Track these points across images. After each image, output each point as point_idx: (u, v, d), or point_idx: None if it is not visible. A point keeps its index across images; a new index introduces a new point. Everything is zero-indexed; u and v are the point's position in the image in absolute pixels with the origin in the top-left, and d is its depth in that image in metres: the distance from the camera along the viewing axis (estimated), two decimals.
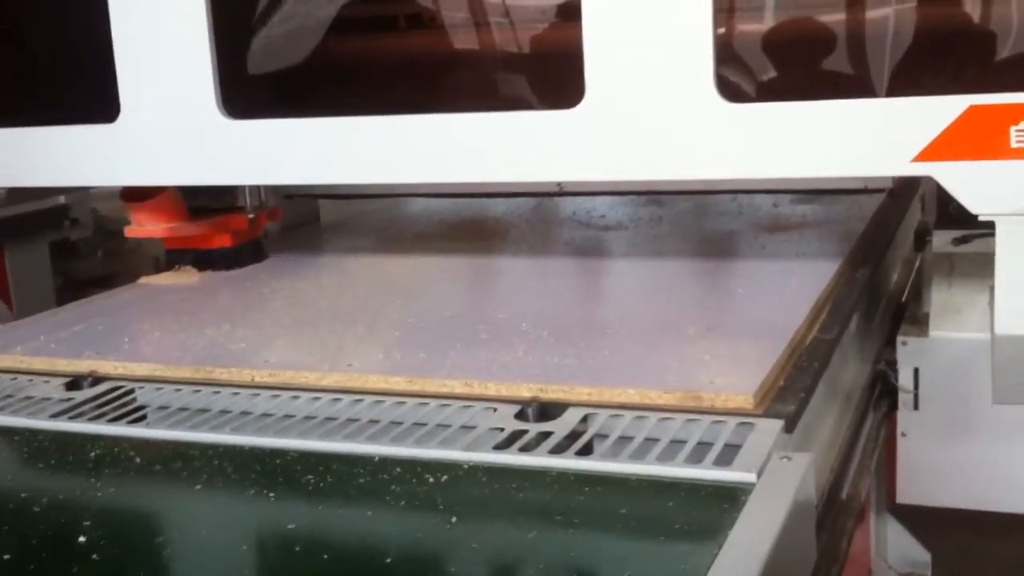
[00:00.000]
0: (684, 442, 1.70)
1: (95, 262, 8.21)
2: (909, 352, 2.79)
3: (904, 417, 2.85)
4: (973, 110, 2.12)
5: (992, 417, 2.72)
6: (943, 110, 2.14)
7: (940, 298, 2.94)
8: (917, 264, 3.47)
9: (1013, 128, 2.11)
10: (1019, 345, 2.26)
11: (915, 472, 2.92)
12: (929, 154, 2.17)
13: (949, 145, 2.15)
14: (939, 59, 2.78)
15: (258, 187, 3.25)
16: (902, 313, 3.04)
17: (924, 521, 3.28)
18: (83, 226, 8.07)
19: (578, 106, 2.32)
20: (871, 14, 2.93)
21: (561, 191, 3.81)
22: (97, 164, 2.79)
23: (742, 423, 1.74)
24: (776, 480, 1.53)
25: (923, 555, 3.74)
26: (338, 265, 3.16)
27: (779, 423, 1.74)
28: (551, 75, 2.63)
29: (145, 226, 3.14)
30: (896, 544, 3.70)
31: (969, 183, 2.16)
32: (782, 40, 2.99)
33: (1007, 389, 2.33)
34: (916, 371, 2.78)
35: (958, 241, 3.05)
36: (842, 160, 2.25)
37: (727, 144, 2.29)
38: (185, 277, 2.97)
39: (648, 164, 2.36)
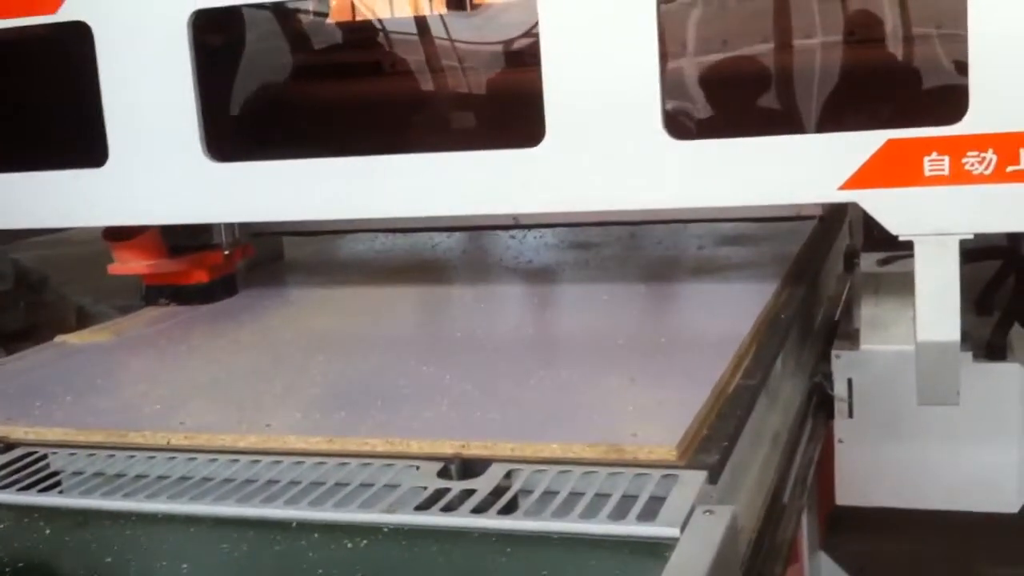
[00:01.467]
0: (609, 495, 1.69)
1: (17, 314, 8.04)
2: (843, 364, 2.99)
3: (840, 424, 3.03)
4: (891, 143, 2.36)
5: (919, 420, 2.94)
6: (865, 143, 2.38)
7: (869, 314, 3.14)
8: (847, 284, 3.66)
9: (926, 158, 2.35)
10: (938, 350, 2.50)
11: (852, 475, 3.13)
12: (854, 183, 2.41)
13: (871, 174, 2.39)
14: (860, 98, 3.05)
15: (232, 225, 3.43)
16: (835, 329, 3.24)
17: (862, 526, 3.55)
18: (4, 278, 7.91)
19: (540, 145, 2.54)
20: (799, 59, 3.22)
21: (517, 223, 3.97)
22: (86, 206, 2.95)
23: (666, 475, 1.73)
24: (699, 534, 1.51)
25: None
26: (265, 316, 3.11)
27: (703, 474, 1.73)
28: (514, 117, 2.79)
29: (128, 264, 3.33)
30: None
31: (889, 208, 2.40)
32: (722, 82, 3.25)
33: (930, 390, 2.59)
34: (850, 381, 2.99)
35: (883, 262, 3.25)
36: (776, 190, 2.49)
37: (674, 177, 2.52)
38: (101, 335, 2.91)
39: (603, 196, 2.60)
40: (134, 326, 3.05)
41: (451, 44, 3.68)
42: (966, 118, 2.30)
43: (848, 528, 4.26)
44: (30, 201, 3.03)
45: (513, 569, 1.50)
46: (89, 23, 2.87)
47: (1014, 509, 3.02)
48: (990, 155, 2.31)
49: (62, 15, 2.91)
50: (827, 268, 3.72)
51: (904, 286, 2.63)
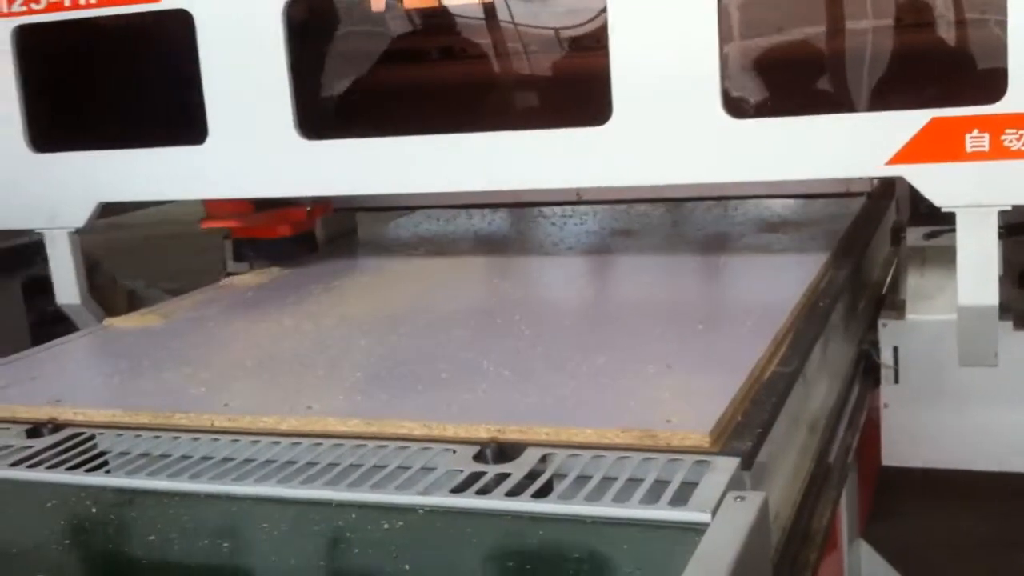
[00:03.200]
0: (642, 480, 1.71)
1: None
2: (889, 333, 3.22)
3: (886, 390, 3.27)
4: (935, 121, 2.57)
5: (961, 386, 3.17)
6: (911, 121, 2.59)
7: (914, 285, 3.37)
8: (895, 258, 3.91)
9: (968, 135, 2.55)
10: (978, 314, 2.69)
11: (897, 438, 3.37)
12: (900, 158, 2.61)
13: (916, 150, 2.59)
14: (907, 79, 3.16)
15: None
16: (882, 300, 3.48)
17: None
18: None
19: (607, 123, 2.76)
20: (850, 42, 3.36)
21: (579, 199, 4.23)
22: (187, 180, 3.23)
23: (698, 461, 1.74)
24: (730, 520, 1.53)
25: None
26: (308, 300, 3.15)
27: (735, 460, 1.74)
28: (584, 98, 3.03)
29: (219, 218, 3.65)
30: (869, 571, 3.72)
31: (933, 181, 2.60)
32: (778, 63, 3.38)
33: (970, 352, 2.78)
34: (896, 349, 3.22)
35: (928, 236, 3.45)
36: (827, 165, 2.72)
37: (732, 153, 2.73)
38: (148, 318, 2.96)
39: (665, 171, 2.83)
40: (181, 309, 3.10)
41: (524, 29, 3.86)
42: (1005, 98, 2.49)
43: (888, 515, 4.26)
44: (137, 175, 3.29)
45: (545, 551, 1.53)
46: (191, 11, 3.09)
47: None
48: None
49: (166, 3, 3.13)
50: (875, 242, 3.88)
51: (948, 259, 2.75)
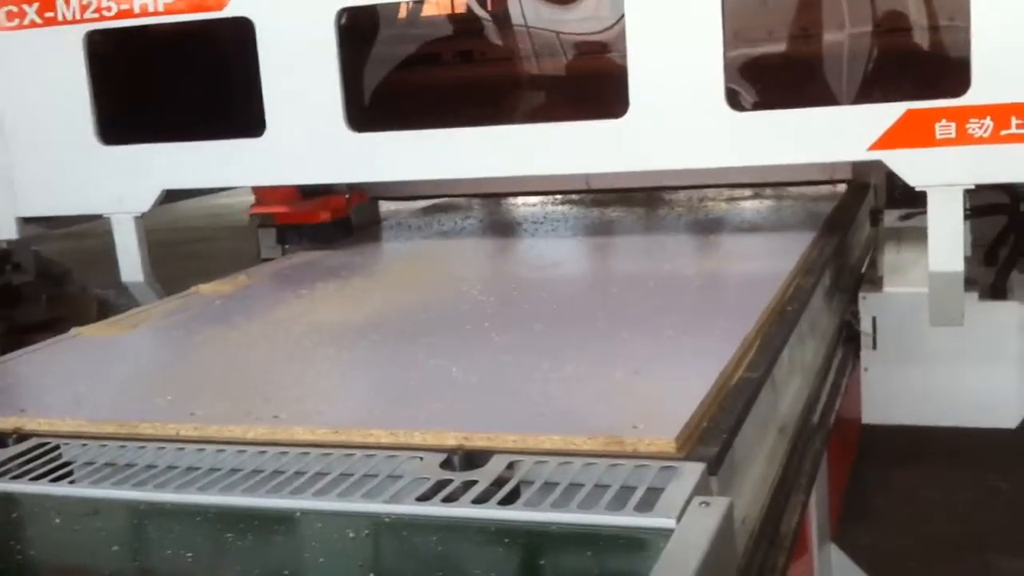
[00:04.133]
0: (608, 486, 1.71)
1: (38, 307, 8.11)
2: (868, 305, 3.81)
3: (866, 355, 3.83)
4: (909, 112, 2.98)
5: (932, 351, 3.75)
6: (888, 113, 2.99)
7: (890, 262, 3.93)
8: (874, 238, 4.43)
9: (937, 124, 2.95)
10: (946, 279, 3.09)
11: (876, 398, 3.94)
12: (880, 144, 3.01)
13: (893, 138, 2.99)
14: (885, 76, 3.89)
15: None
16: (863, 276, 3.99)
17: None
18: (25, 271, 7.98)
19: (625, 116, 3.18)
20: (836, 44, 4.08)
21: (589, 188, 4.68)
22: (246, 170, 3.64)
23: (665, 467, 1.75)
24: (694, 525, 1.53)
25: None
26: (277, 308, 3.14)
27: (701, 466, 1.74)
28: (605, 94, 3.38)
29: (268, 205, 4.18)
30: (840, 573, 3.74)
31: (908, 164, 3.01)
32: (775, 64, 4.09)
33: (940, 314, 3.19)
34: (874, 319, 3.82)
35: (903, 218, 3.92)
36: (817, 150, 3.14)
37: (733, 141, 3.14)
38: (116, 327, 2.95)
39: (674, 157, 3.25)
40: (150, 318, 3.08)
41: (551, 35, 4.49)
42: (969, 92, 2.91)
43: (859, 518, 4.29)
44: (199, 165, 3.68)
45: (510, 559, 1.53)
46: (251, 18, 3.45)
47: (1013, 424, 3.79)
48: (988, 121, 2.91)
49: (228, 11, 3.48)
50: (856, 224, 4.29)
51: (921, 238, 3.15)
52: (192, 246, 13.19)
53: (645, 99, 3.16)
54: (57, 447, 2.06)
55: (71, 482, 1.92)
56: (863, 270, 4.09)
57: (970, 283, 3.31)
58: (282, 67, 3.46)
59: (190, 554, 1.60)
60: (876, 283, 3.88)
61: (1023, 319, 3.75)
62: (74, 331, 2.96)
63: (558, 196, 4.99)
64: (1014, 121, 2.88)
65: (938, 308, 3.16)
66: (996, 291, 3.84)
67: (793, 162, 3.25)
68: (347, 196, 4.23)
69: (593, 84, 4.22)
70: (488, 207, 4.98)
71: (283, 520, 1.68)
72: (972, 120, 2.91)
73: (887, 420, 3.96)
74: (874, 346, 3.81)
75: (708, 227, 4.13)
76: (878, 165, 3.11)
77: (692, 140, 3.16)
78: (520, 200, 5.05)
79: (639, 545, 1.52)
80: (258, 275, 3.73)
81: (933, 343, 3.73)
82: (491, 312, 2.91)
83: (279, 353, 2.61)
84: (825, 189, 4.54)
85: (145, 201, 3.74)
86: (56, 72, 3.70)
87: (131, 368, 2.54)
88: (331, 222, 4.21)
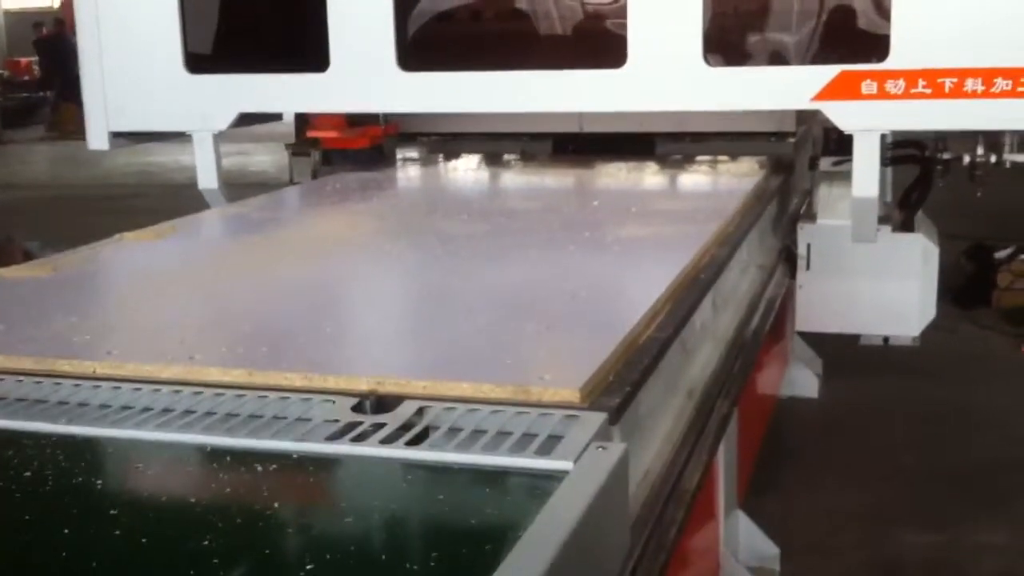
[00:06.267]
0: (511, 433, 1.76)
1: None
2: (805, 233, 4.70)
3: (801, 275, 4.70)
4: (843, 73, 3.80)
5: (854, 271, 4.66)
6: (827, 72, 3.81)
7: (823, 200, 4.93)
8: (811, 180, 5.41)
9: (863, 83, 3.77)
10: (865, 203, 3.96)
11: (808, 310, 4.84)
12: (819, 96, 3.82)
13: (830, 91, 3.80)
14: (825, 43, 4.81)
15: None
16: (799, 210, 4.95)
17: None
18: None
19: (623, 66, 3.96)
20: (788, 16, 5.10)
21: (581, 131, 5.31)
22: (314, 98, 4.42)
23: (568, 415, 1.81)
24: (589, 467, 1.60)
25: (772, 549, 3.89)
26: (209, 253, 3.16)
27: (603, 416, 1.81)
28: (607, 47, 4.16)
29: (322, 130, 5.04)
30: (746, 539, 3.84)
31: (840, 112, 3.83)
32: (741, 31, 5.11)
33: (859, 233, 4.10)
34: (808, 245, 4.69)
35: (836, 163, 4.92)
36: (771, 99, 3.97)
37: (707, 91, 3.93)
38: (39, 269, 2.94)
39: (662, 100, 4.02)
40: (72, 262, 3.08)
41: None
42: (889, 58, 3.72)
43: (769, 489, 4.40)
44: (270, 93, 4.41)
45: (411, 494, 1.58)
46: None
47: (915, 332, 4.76)
48: (901, 82, 3.73)
49: None
50: (798, 169, 5.31)
51: (848, 181, 3.99)
52: (127, 201, 13.05)
53: (640, 54, 3.93)
54: None
55: None
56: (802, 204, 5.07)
57: (886, 219, 4.42)
58: (345, 13, 4.14)
59: (100, 481, 1.63)
60: (811, 216, 4.75)
61: (925, 249, 4.60)
62: None
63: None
64: (920, 82, 3.70)
65: (857, 228, 4.06)
66: (905, 226, 4.74)
67: (754, 108, 4.13)
68: (383, 127, 5.08)
69: (600, 40, 5.20)
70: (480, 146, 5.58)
71: (194, 455, 1.72)
72: (889, 81, 3.74)
73: (817, 329, 5.00)
74: (808, 267, 4.65)
75: (681, 163, 5.18)
76: (819, 117, 4.01)
77: (675, 88, 3.93)
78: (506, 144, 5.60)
79: (536, 485, 1.58)
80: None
81: (854, 265, 4.62)
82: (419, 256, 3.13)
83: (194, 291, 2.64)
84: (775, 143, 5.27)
85: (223, 121, 4.43)
86: (152, 7, 4.38)
87: (51, 307, 2.54)
88: (368, 148, 5.06)
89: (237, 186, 5.12)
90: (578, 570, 1.42)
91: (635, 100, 4.02)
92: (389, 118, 5.21)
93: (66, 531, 1.48)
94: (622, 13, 4.02)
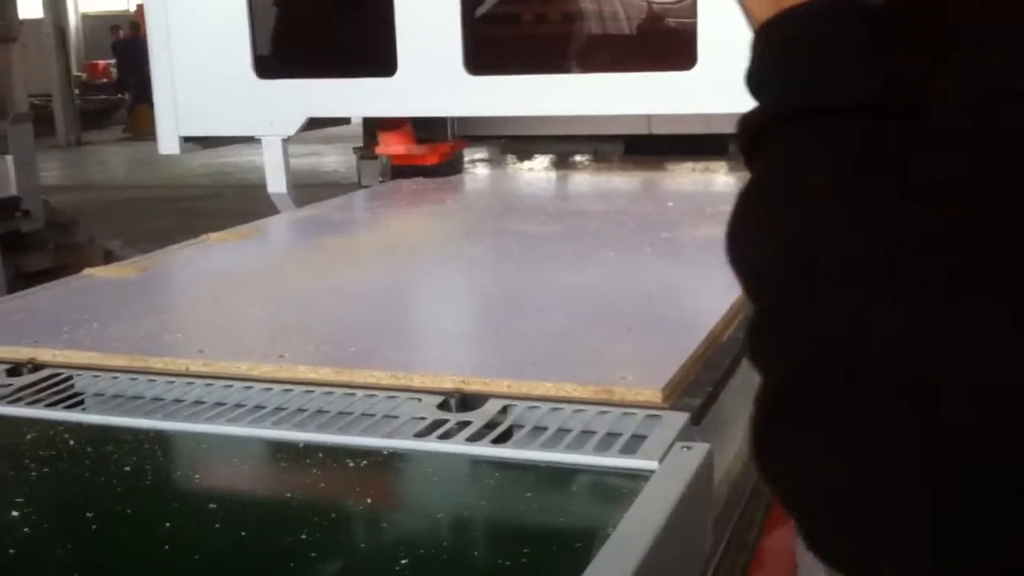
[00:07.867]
0: (595, 432, 1.79)
1: (46, 254, 8.20)
2: None
3: None
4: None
5: None
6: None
7: None
8: None
9: None
10: None
11: None
12: None
13: None
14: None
15: (454, 122, 5.17)
16: None
17: None
18: (34, 218, 8.06)
19: (694, 68, 3.91)
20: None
21: (650, 133, 5.31)
22: (381, 103, 4.39)
23: (650, 415, 1.83)
24: (674, 467, 1.62)
25: None
26: (301, 254, 3.23)
27: (685, 415, 1.83)
28: (678, 50, 4.13)
29: (390, 147, 4.97)
30: None
31: None
32: None
33: None
34: None
35: None
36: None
37: None
38: (127, 270, 3.03)
39: (729, 103, 3.59)
40: (159, 263, 3.16)
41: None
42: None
43: None
44: (339, 98, 4.42)
45: (498, 491, 1.61)
46: None
47: None
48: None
49: None
50: None
51: None
52: (203, 202, 13.26)
53: (709, 56, 3.91)
54: (70, 378, 2.15)
55: (83, 410, 2.01)
56: None
57: None
58: (413, 18, 4.14)
59: (197, 475, 1.69)
60: None
61: None
62: (86, 271, 3.04)
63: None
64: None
65: None
66: None
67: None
68: (451, 144, 5.08)
69: (670, 42, 5.06)
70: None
71: (286, 450, 1.77)
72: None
73: None
74: None
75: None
76: None
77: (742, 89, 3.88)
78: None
79: (622, 484, 1.60)
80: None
81: None
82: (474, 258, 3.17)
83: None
84: None
85: (292, 126, 4.41)
86: (222, 12, 4.40)
87: (141, 306, 2.62)
88: (438, 164, 5.01)
89: (311, 187, 5.24)
90: (666, 569, 1.44)
91: (704, 101, 3.98)
92: (456, 133, 5.21)
93: (167, 525, 1.54)
94: (691, 13, 4.02)
